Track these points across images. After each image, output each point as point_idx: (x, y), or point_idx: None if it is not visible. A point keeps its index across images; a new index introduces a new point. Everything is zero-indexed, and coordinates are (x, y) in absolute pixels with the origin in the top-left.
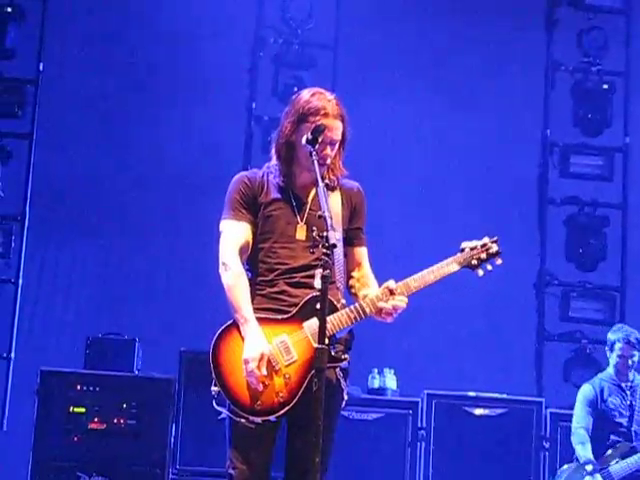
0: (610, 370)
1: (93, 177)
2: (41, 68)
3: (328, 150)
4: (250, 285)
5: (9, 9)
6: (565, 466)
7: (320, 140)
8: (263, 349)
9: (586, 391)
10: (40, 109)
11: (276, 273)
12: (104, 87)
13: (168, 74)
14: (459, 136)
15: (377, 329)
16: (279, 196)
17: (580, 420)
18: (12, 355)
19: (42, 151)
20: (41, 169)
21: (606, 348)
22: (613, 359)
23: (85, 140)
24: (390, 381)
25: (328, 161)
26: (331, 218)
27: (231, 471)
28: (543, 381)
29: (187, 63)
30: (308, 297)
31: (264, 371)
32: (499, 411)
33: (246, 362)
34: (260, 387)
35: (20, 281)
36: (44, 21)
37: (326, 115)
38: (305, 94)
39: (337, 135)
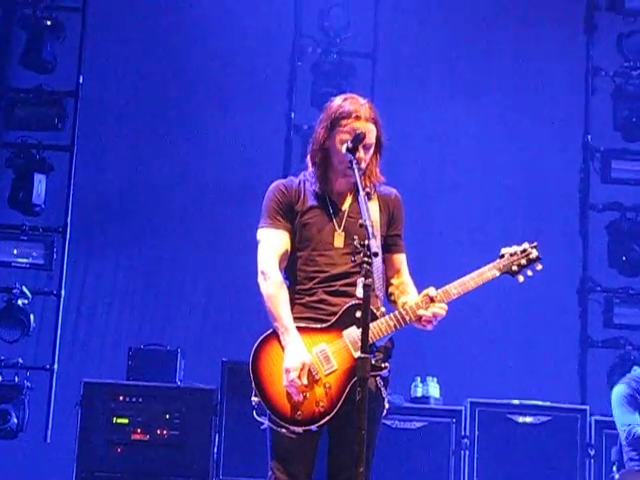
0: None
1: (133, 189)
2: (81, 81)
3: (361, 153)
4: (289, 294)
5: (48, 22)
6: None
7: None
8: (304, 358)
9: (620, 390)
10: (80, 121)
11: (315, 281)
12: (143, 98)
13: (207, 85)
14: (499, 143)
15: (419, 337)
16: (316, 203)
17: (625, 419)
18: (55, 367)
19: (83, 163)
20: (82, 181)
21: None
22: None
23: (125, 152)
24: (433, 389)
25: (362, 165)
26: (372, 226)
27: None
28: (587, 388)
29: (226, 73)
30: (347, 305)
31: (305, 381)
32: (543, 419)
33: (287, 372)
34: (300, 397)
35: (62, 293)
36: (83, 34)
37: (358, 118)
38: (337, 99)
39: (370, 139)
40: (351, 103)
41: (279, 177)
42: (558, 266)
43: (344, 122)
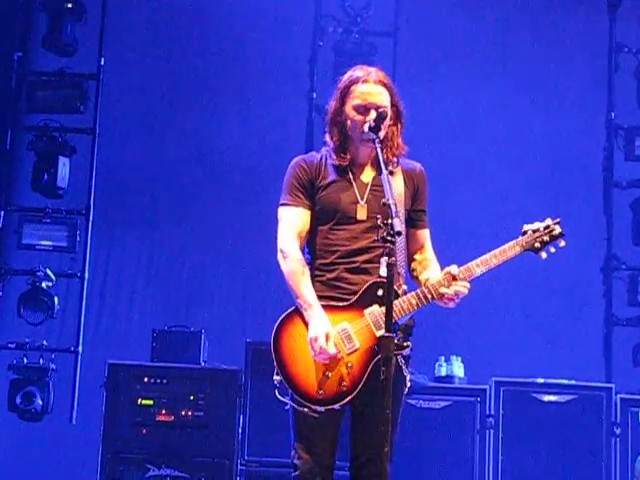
0: None
1: (156, 170)
2: (102, 63)
3: (371, 114)
4: (309, 270)
5: (69, 5)
6: None
7: (377, 122)
8: (328, 329)
9: None
10: (102, 104)
11: (336, 255)
12: (165, 80)
13: (229, 66)
14: (522, 121)
15: (443, 316)
16: (338, 177)
17: None
18: (79, 349)
19: (105, 145)
20: (104, 163)
21: None
22: None
23: (147, 133)
24: (457, 369)
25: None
26: (395, 205)
27: (296, 461)
28: (612, 366)
29: (248, 54)
30: (368, 284)
31: (333, 348)
32: (568, 397)
33: (314, 340)
34: (333, 355)
35: (86, 275)
36: (104, 16)
37: (366, 81)
38: (348, 72)
39: (381, 100)
40: (360, 70)
41: None
42: (582, 244)
43: (353, 87)
